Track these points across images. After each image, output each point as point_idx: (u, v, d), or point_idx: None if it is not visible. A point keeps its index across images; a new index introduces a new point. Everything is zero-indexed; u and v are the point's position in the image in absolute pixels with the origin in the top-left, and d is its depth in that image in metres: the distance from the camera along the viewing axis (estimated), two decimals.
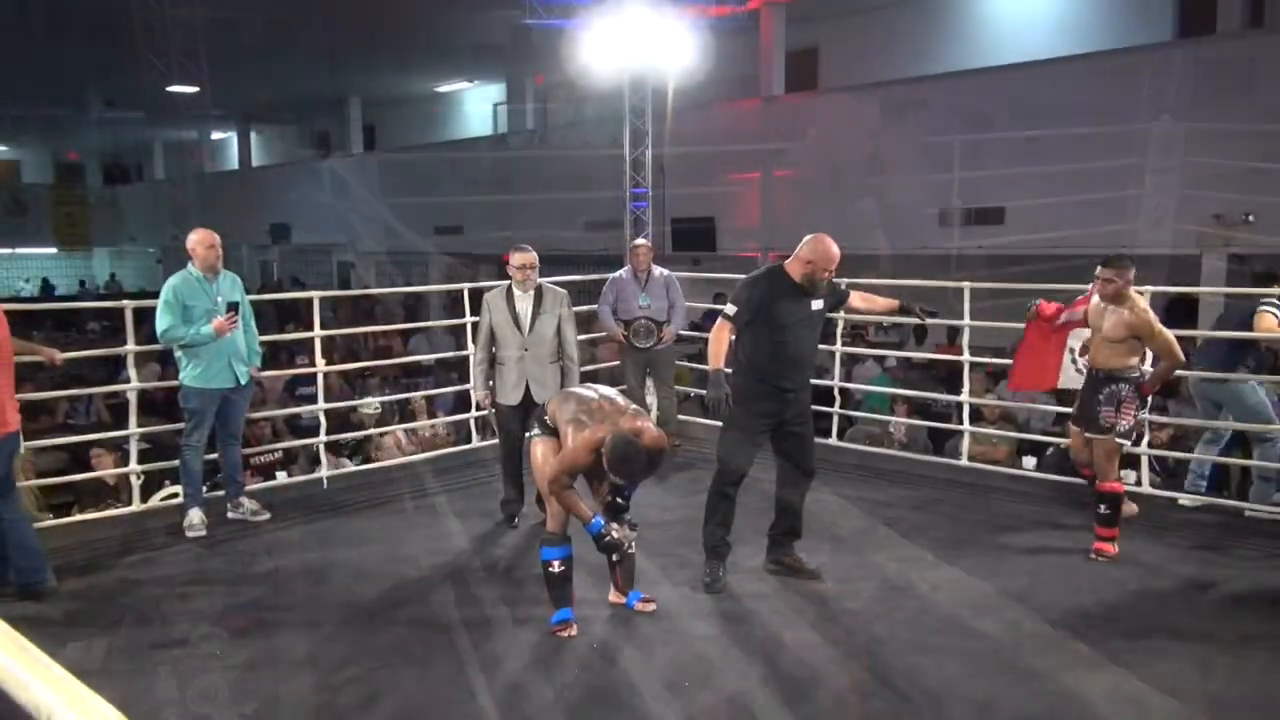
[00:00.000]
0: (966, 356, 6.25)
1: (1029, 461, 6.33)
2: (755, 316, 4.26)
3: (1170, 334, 4.60)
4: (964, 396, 6.28)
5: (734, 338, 4.36)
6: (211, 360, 5.09)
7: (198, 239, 5.13)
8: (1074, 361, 5.32)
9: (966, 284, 6.04)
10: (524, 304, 5.16)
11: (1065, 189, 9.44)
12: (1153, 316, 4.54)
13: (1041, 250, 9.23)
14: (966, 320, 6.04)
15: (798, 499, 4.50)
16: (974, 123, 10.17)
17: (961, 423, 6.35)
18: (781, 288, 4.27)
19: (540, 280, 5.23)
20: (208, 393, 5.11)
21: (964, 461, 6.22)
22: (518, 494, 5.35)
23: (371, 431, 7.07)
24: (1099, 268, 4.61)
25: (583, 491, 3.94)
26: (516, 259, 5.15)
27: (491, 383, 5.30)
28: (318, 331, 6.21)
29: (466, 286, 6.87)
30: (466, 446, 6.88)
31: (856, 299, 4.63)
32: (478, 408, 6.27)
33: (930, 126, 10.53)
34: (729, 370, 4.35)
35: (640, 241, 7.12)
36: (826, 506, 5.51)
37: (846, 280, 6.31)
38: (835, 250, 4.22)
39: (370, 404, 7.67)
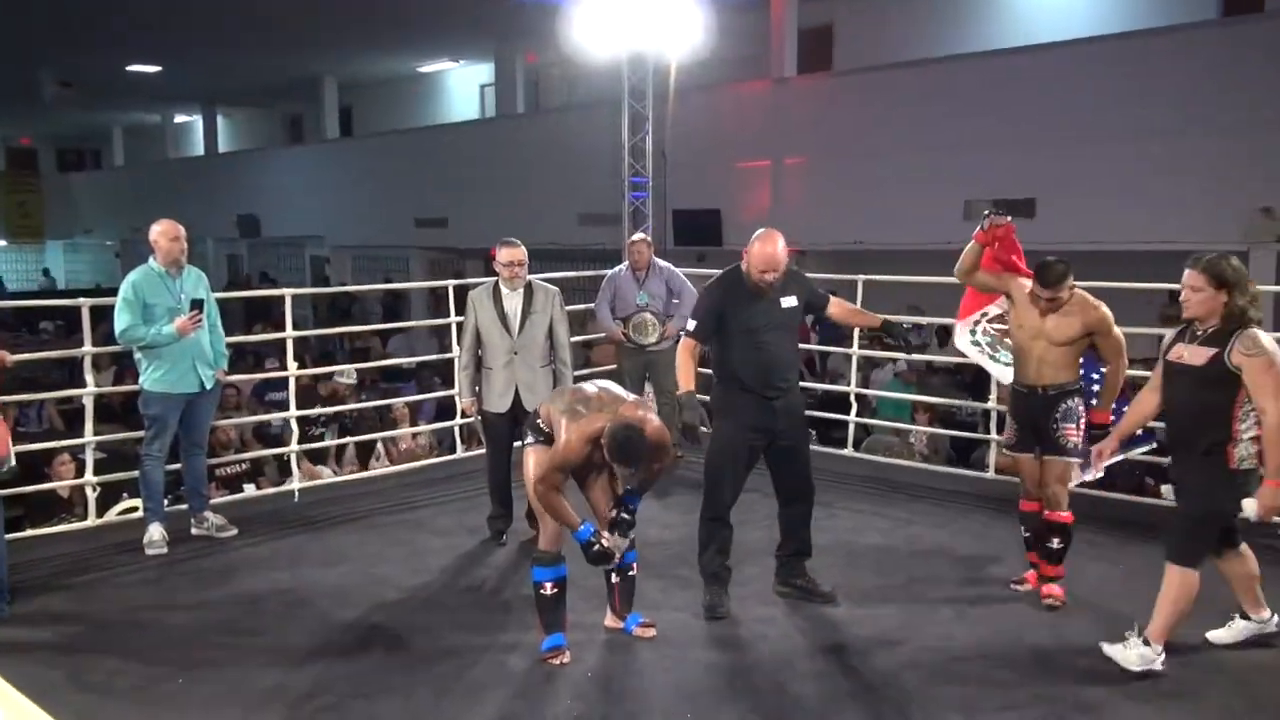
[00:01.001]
0: None
1: None
2: (719, 326, 4.28)
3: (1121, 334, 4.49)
4: (990, 403, 6.28)
5: (709, 350, 4.41)
6: (175, 363, 5.08)
7: (160, 230, 5.13)
8: (976, 325, 5.24)
9: None
10: (513, 303, 5.16)
11: (1100, 178, 9.43)
12: (1109, 312, 4.42)
13: (1076, 245, 9.23)
14: None
15: (802, 517, 4.49)
16: (1001, 107, 10.16)
17: (988, 432, 6.35)
18: (740, 291, 4.28)
19: (530, 277, 5.24)
20: (170, 398, 5.11)
21: (990, 474, 6.22)
22: (506, 509, 5.35)
23: (347, 440, 7.08)
24: (1036, 288, 4.35)
25: (583, 511, 3.93)
26: (504, 254, 5.15)
27: (478, 388, 5.30)
28: (290, 332, 6.22)
29: (451, 284, 6.90)
30: (451, 457, 6.89)
31: (835, 308, 4.57)
32: (463, 415, 6.28)
33: (954, 111, 10.52)
34: (717, 378, 4.39)
35: (639, 236, 7.13)
36: (841, 523, 5.52)
37: (864, 277, 6.34)
38: (772, 251, 4.16)
39: (345, 371, 7.74)
